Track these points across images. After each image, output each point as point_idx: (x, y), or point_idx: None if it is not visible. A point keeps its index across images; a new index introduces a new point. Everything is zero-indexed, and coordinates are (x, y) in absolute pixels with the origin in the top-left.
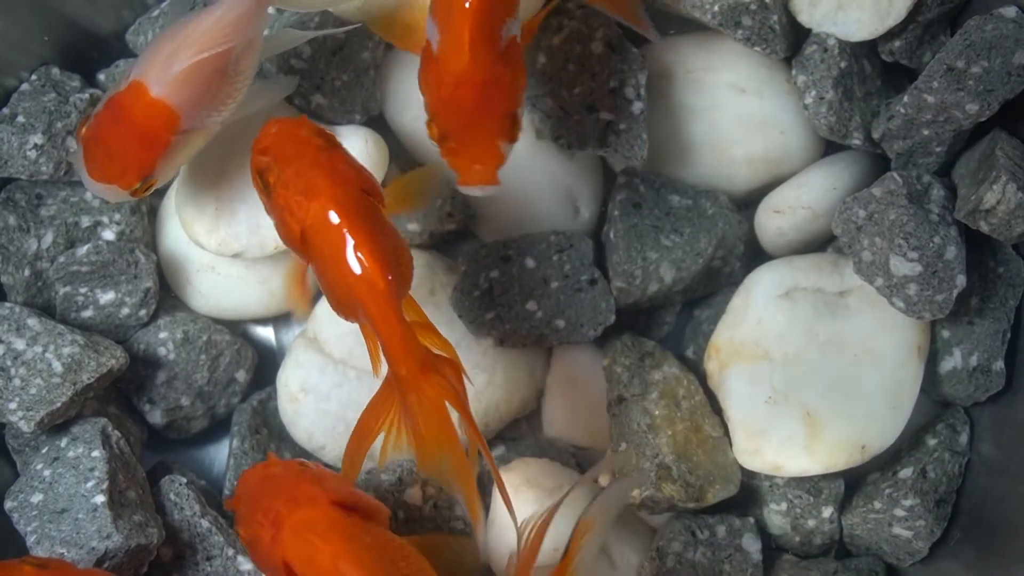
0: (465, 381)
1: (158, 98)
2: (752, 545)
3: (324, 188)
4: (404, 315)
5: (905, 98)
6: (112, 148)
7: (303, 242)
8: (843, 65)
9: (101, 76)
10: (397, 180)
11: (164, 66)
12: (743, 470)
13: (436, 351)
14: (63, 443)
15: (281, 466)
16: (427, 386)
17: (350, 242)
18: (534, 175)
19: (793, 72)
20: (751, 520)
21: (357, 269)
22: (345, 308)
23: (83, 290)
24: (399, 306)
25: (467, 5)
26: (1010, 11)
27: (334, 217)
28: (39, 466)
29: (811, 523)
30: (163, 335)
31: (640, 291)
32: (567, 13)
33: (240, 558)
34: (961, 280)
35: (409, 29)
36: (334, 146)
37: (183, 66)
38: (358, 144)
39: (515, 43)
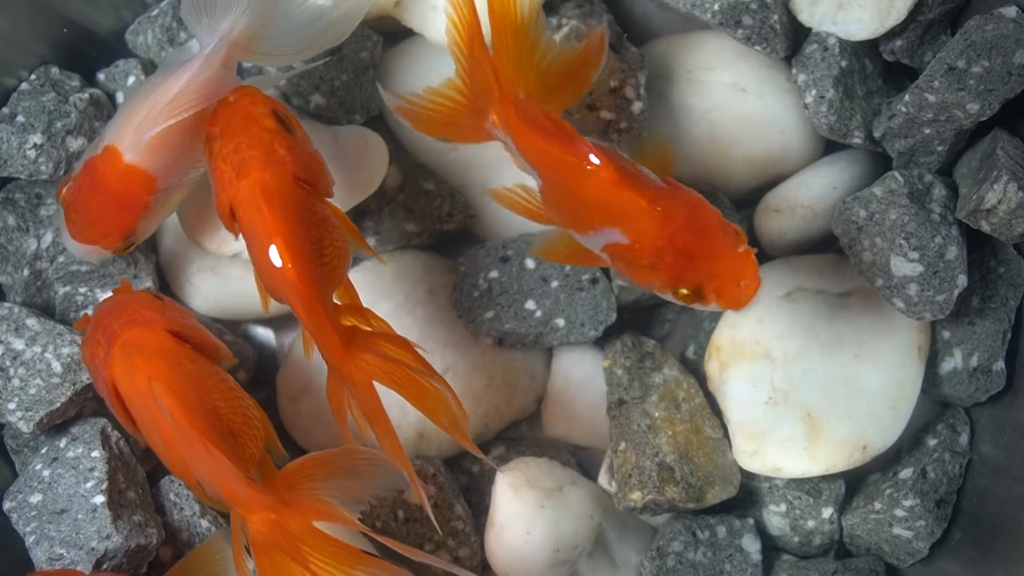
0: (419, 349)
1: (132, 164)
2: (752, 545)
3: (254, 169)
4: (327, 299)
5: (906, 97)
6: (92, 212)
7: (232, 217)
8: (844, 64)
9: (100, 76)
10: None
11: (136, 133)
12: (742, 471)
13: (367, 328)
14: (62, 443)
15: (132, 293)
16: (354, 369)
17: (270, 232)
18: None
19: (793, 71)
20: (750, 521)
21: (274, 258)
22: (269, 289)
23: (83, 290)
24: (316, 293)
25: (611, 182)
26: (1010, 11)
27: (258, 201)
28: (38, 466)
29: (810, 524)
30: None
31: (641, 290)
32: (566, 12)
33: None
34: (962, 280)
35: (578, 250)
36: (284, 129)
37: (154, 132)
38: (358, 144)
39: (662, 171)
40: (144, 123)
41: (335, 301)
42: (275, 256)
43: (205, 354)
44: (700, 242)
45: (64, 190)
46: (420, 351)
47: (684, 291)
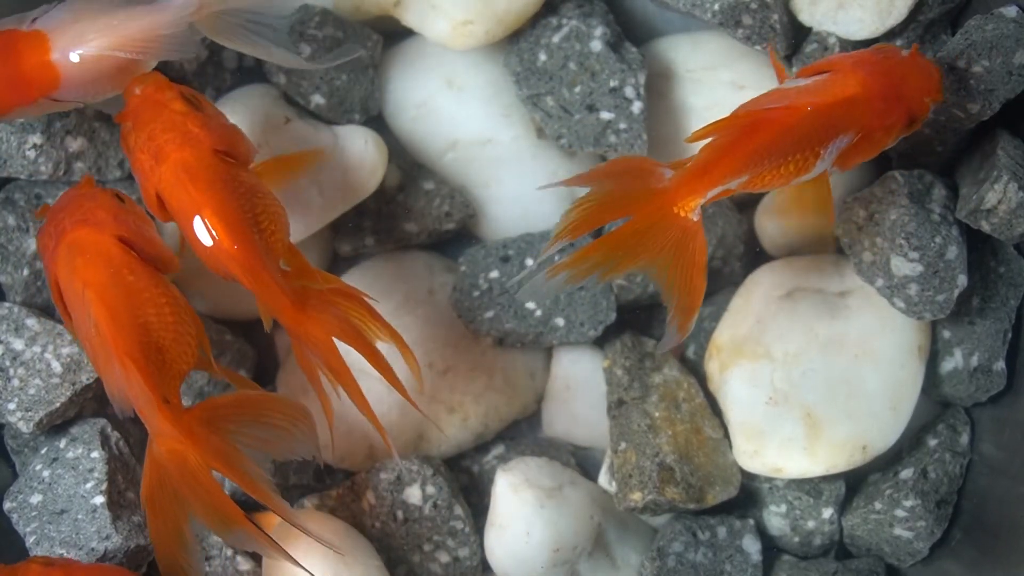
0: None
1: (52, 62)
2: (752, 546)
3: (172, 151)
4: (272, 265)
5: None
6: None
7: (161, 206)
8: None
9: None
10: (280, 157)
11: (76, 37)
12: (743, 471)
13: (319, 287)
14: (62, 444)
15: (94, 190)
16: (312, 328)
17: (199, 206)
18: (534, 175)
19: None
20: (751, 521)
21: (209, 233)
22: (211, 266)
23: None
24: (259, 259)
25: (805, 118)
26: (1011, 11)
27: (182, 180)
28: (38, 467)
29: (811, 524)
30: None
31: (641, 288)
32: (566, 12)
33: (239, 558)
34: (962, 280)
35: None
36: (194, 108)
37: (92, 49)
38: (357, 144)
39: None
40: (89, 34)
41: (283, 267)
42: (209, 229)
43: (154, 264)
44: (893, 80)
45: None
46: (372, 303)
47: (916, 117)
